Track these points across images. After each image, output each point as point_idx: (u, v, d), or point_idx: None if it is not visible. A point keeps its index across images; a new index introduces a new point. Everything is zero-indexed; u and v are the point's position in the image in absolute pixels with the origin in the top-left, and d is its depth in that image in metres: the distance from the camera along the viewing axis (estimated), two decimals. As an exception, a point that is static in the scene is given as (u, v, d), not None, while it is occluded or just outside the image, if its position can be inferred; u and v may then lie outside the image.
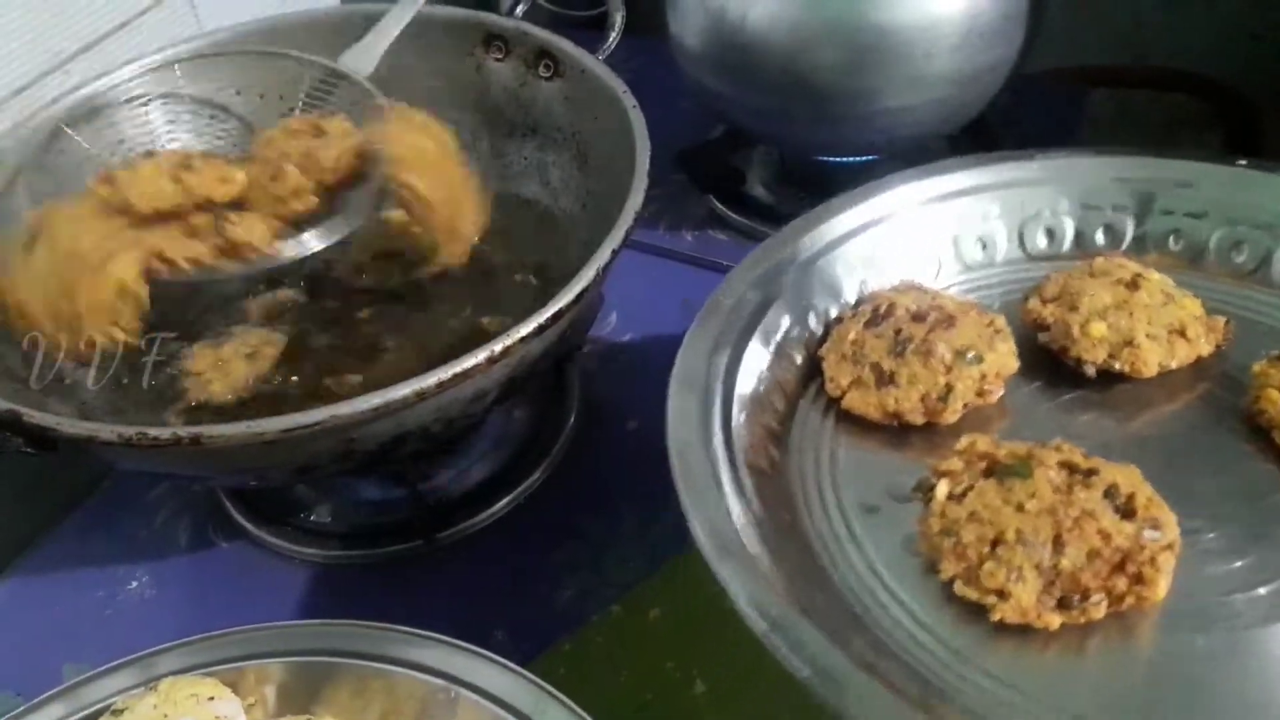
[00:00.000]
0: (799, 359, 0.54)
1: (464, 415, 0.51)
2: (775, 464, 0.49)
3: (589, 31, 0.71)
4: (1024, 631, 0.41)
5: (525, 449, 0.64)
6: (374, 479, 0.62)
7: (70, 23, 0.70)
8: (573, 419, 0.65)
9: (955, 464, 0.45)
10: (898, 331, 0.51)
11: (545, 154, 0.68)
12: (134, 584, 0.60)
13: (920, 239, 0.58)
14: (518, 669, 0.43)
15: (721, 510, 0.43)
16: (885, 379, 0.50)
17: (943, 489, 0.44)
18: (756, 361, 0.52)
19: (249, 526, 0.62)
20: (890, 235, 0.57)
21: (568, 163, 0.65)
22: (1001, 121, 0.77)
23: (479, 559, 0.59)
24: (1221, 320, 0.52)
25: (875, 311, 0.53)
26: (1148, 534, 0.41)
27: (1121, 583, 0.40)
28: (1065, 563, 0.41)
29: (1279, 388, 0.47)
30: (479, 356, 0.46)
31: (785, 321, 0.54)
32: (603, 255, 0.51)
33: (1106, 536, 0.41)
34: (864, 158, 0.74)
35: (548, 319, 0.48)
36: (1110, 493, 0.42)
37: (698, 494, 0.44)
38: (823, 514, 0.47)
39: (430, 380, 0.45)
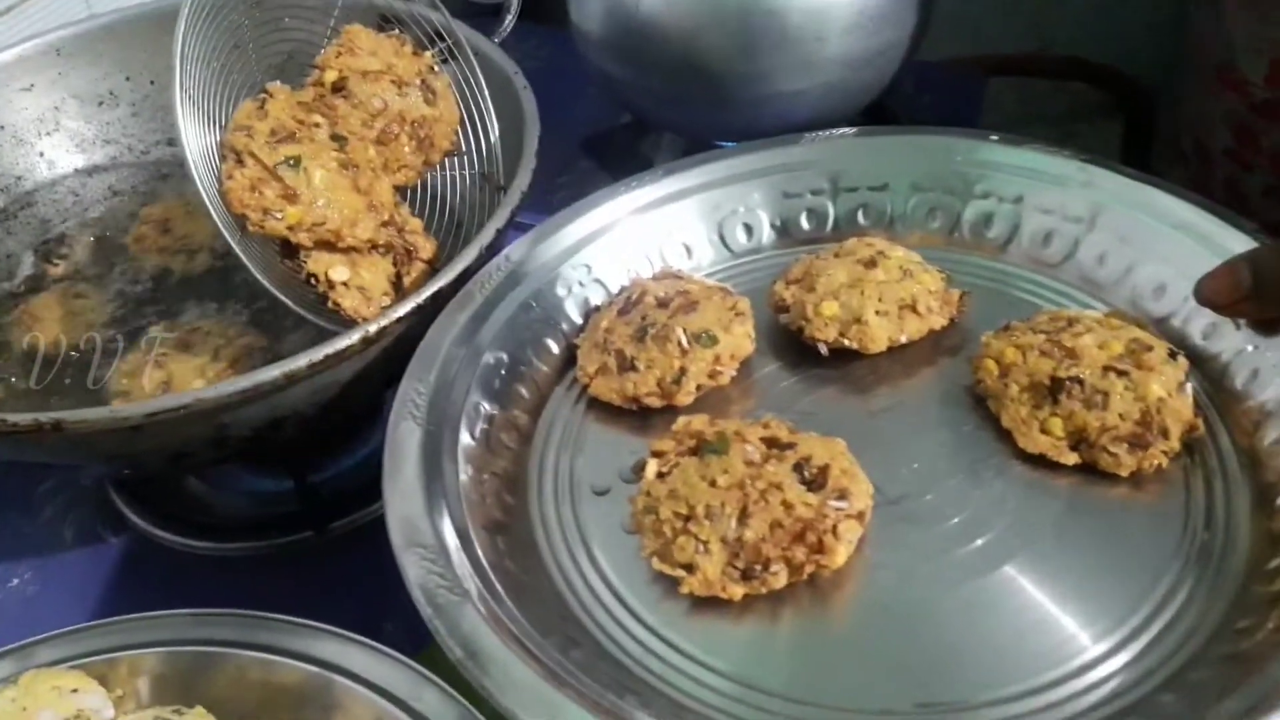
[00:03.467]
0: (556, 349, 0.54)
1: (345, 399, 0.50)
2: (514, 454, 0.49)
3: (494, 20, 0.70)
4: (720, 606, 0.42)
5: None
6: (264, 471, 0.61)
7: (-49, 7, 0.67)
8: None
9: (667, 444, 0.45)
10: (644, 318, 0.51)
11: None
12: (15, 581, 0.58)
13: (684, 226, 0.58)
14: (395, 654, 0.42)
15: (418, 506, 0.43)
16: (627, 364, 0.50)
17: (651, 468, 0.45)
18: (498, 349, 0.51)
19: (137, 520, 0.60)
20: (654, 224, 0.57)
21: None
22: (902, 108, 0.78)
23: (372, 551, 0.57)
24: (957, 293, 0.52)
25: (628, 299, 0.53)
26: (833, 504, 0.42)
27: (800, 552, 0.41)
28: (749, 534, 0.41)
29: (997, 358, 0.48)
30: (353, 337, 0.45)
31: (538, 312, 0.53)
32: (486, 234, 0.50)
33: (789, 507, 0.41)
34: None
35: (425, 299, 0.47)
36: (800, 465, 0.43)
37: (400, 488, 0.44)
38: (552, 497, 0.47)
39: (300, 362, 0.44)
